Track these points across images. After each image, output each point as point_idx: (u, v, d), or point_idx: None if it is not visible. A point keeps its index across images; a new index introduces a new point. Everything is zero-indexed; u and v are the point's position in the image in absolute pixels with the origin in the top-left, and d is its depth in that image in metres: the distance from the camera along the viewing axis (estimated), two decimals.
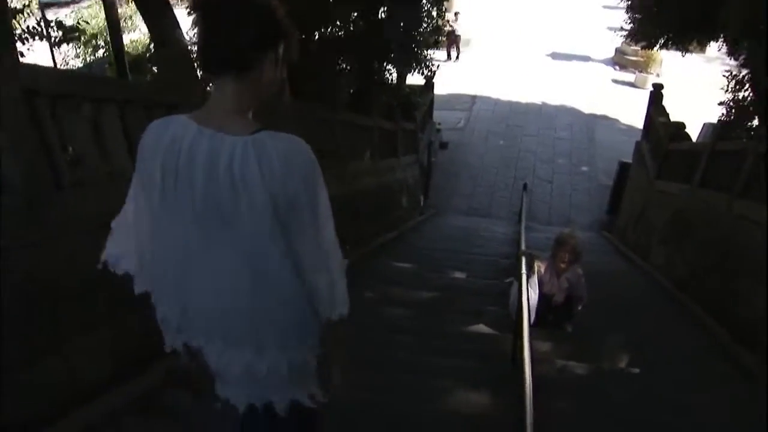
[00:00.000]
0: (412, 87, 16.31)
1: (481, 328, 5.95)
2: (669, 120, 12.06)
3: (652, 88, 13.56)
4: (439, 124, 18.54)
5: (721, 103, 10.21)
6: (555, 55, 25.43)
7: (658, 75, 21.62)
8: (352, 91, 13.90)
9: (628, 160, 14.50)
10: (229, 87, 1.73)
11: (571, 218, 15.45)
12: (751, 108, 9.42)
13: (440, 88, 18.76)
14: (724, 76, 10.18)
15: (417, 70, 14.65)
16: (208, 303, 1.83)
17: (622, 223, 13.70)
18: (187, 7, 10.84)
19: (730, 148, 8.49)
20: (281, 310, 1.82)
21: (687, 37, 10.78)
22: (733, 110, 9.96)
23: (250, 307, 1.80)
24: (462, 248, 10.32)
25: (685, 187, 9.59)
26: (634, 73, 23.23)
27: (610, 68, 24.70)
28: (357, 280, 3.94)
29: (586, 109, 20.78)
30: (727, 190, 7.72)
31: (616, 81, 23.38)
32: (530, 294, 5.57)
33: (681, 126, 11.33)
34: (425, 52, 14.26)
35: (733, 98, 10.05)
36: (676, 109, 13.30)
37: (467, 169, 17.61)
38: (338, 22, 11.24)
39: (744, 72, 9.74)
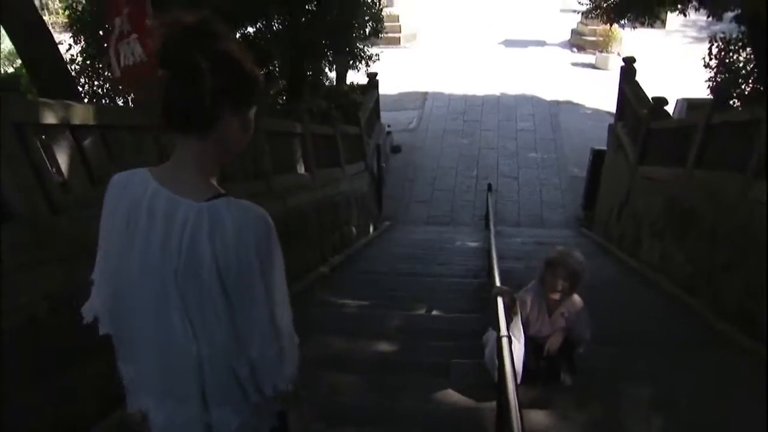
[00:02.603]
0: (354, 86, 14.67)
1: (450, 395, 4.22)
2: (646, 96, 10.56)
3: (622, 63, 12.09)
4: (389, 126, 17.24)
5: (707, 67, 8.74)
6: (508, 43, 24.55)
7: (618, 54, 20.60)
8: (283, 95, 12.39)
9: (601, 146, 13.35)
10: (191, 146, 1.65)
11: (543, 217, 14.03)
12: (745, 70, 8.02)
13: (387, 87, 17.57)
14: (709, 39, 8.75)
15: (355, 66, 13.19)
16: (156, 361, 1.74)
17: (603, 216, 12.28)
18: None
19: (732, 119, 6.96)
20: (224, 373, 1.70)
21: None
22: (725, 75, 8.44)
23: (195, 366, 1.69)
24: (422, 269, 8.67)
25: (677, 171, 8.10)
26: (594, 54, 22.49)
27: (567, 51, 23.89)
28: None
29: (548, 97, 19.65)
30: (737, 170, 6.34)
31: (575, 64, 22.55)
32: (514, 346, 3.93)
33: (662, 101, 9.86)
34: (363, 44, 12.83)
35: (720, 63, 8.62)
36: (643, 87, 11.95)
37: (423, 172, 16.30)
38: (260, 18, 10.17)
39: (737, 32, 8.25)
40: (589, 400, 4.20)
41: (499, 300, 3.65)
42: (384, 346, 5.23)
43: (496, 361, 3.97)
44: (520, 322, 3.99)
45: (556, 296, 4.11)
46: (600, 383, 4.44)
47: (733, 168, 6.56)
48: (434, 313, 6.36)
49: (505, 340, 2.87)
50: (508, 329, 3.01)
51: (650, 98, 10.24)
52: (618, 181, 11.28)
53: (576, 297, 4.19)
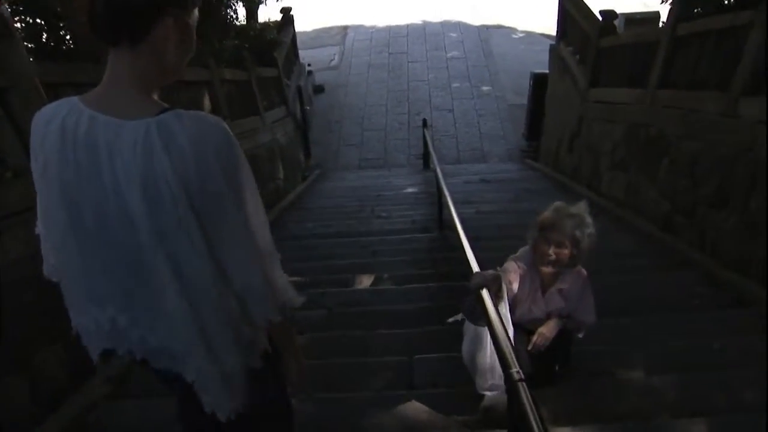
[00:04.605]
0: (267, 24, 13.17)
1: (415, 408, 3.17)
2: (592, 12, 9.54)
3: None
4: (309, 65, 15.80)
5: None
6: None
7: None
8: None
9: (542, 70, 12.22)
10: (124, 59, 1.48)
11: (484, 150, 13.08)
12: None
13: (304, 23, 16.24)
14: None
15: None
16: (141, 311, 1.60)
17: (550, 147, 11.36)
18: None
19: (704, 29, 5.95)
20: (209, 311, 1.56)
21: None
22: None
23: (180, 308, 1.54)
24: (360, 227, 7.54)
25: (638, 93, 7.15)
26: None
27: None
28: None
29: (475, 21, 18.40)
30: (715, 88, 5.48)
31: None
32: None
33: (611, 15, 8.84)
34: None
35: None
36: None
37: (351, 112, 15.25)
38: None
39: None
40: (600, 402, 3.22)
41: (485, 294, 2.55)
42: (321, 346, 4.09)
43: (480, 360, 2.99)
44: (506, 308, 2.93)
45: (550, 268, 3.07)
46: (606, 376, 3.47)
47: (708, 86, 5.68)
48: (381, 287, 5.25)
49: (521, 387, 1.78)
50: (520, 363, 1.91)
51: (601, 11, 9.14)
52: (566, 108, 10.29)
53: (579, 269, 3.17)
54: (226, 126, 1.47)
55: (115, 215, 1.46)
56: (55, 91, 3.81)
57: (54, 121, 1.48)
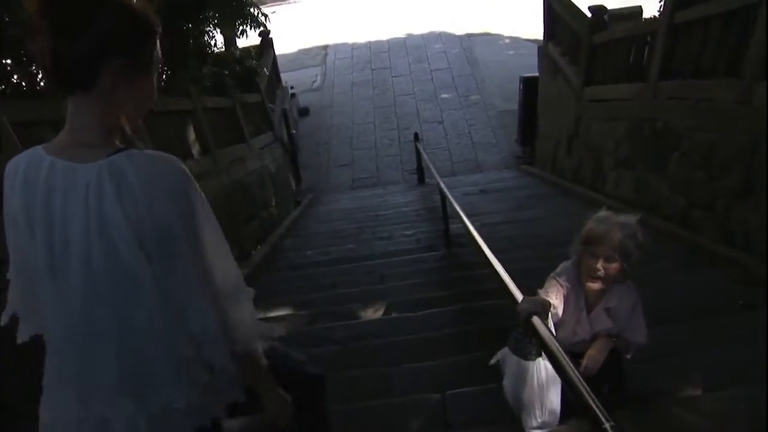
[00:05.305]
0: (246, 49, 12.90)
1: None
2: (580, 9, 9.29)
3: None
4: (292, 87, 15.57)
5: None
6: None
7: None
8: (163, 68, 10.54)
9: (529, 73, 11.94)
10: (81, 107, 1.47)
11: (478, 160, 12.81)
12: None
13: (283, 46, 15.95)
14: None
15: (245, 26, 11.46)
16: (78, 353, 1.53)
17: (547, 151, 11.04)
18: None
19: (709, 12, 5.67)
20: (159, 357, 1.52)
21: None
22: None
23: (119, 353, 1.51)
24: (362, 250, 7.16)
25: (638, 87, 6.87)
26: None
27: None
28: None
29: (457, 31, 18.17)
30: (725, 75, 5.21)
31: None
32: (541, 370, 2.59)
33: (602, 10, 8.59)
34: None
35: None
36: None
37: (338, 133, 14.98)
38: None
39: None
40: None
41: (538, 323, 2.19)
42: (338, 389, 3.71)
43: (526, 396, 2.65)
44: (552, 327, 2.58)
45: (597, 285, 2.72)
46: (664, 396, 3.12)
47: (716, 73, 5.39)
48: (395, 315, 4.88)
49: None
50: (609, 416, 1.56)
51: (591, 8, 8.89)
52: (561, 109, 10.00)
53: (628, 284, 2.82)
54: (182, 165, 1.45)
55: (66, 259, 1.44)
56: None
57: (19, 171, 1.48)
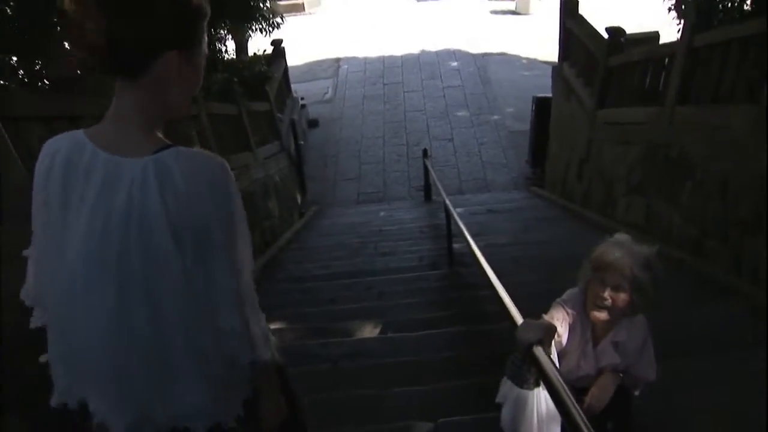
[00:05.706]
0: (257, 57, 12.82)
1: None
2: (596, 31, 9.14)
3: None
4: (302, 98, 15.42)
5: None
6: None
7: None
8: None
9: (544, 94, 11.82)
10: (127, 95, 1.47)
11: (487, 179, 12.66)
12: None
13: (295, 57, 16.03)
14: None
15: (258, 29, 11.44)
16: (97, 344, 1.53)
17: (557, 174, 10.85)
18: None
19: (724, 39, 5.51)
20: (183, 351, 1.53)
21: None
22: None
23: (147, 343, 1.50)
24: (364, 265, 7.01)
25: (653, 111, 6.71)
26: None
27: None
28: None
29: (472, 49, 18.33)
30: (742, 101, 5.09)
31: (495, 12, 21.59)
32: (542, 401, 2.36)
33: (619, 32, 8.43)
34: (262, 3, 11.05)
35: None
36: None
37: (347, 146, 14.81)
38: None
39: None
40: None
41: (539, 353, 1.99)
42: (325, 409, 3.51)
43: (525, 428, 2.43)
44: (555, 356, 2.38)
45: (603, 315, 2.52)
46: None
47: (730, 100, 5.25)
48: (392, 334, 4.69)
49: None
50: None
51: (607, 29, 8.72)
52: (573, 132, 9.84)
53: (639, 318, 2.62)
54: (226, 164, 1.47)
55: (103, 250, 1.44)
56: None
57: (60, 153, 1.47)
